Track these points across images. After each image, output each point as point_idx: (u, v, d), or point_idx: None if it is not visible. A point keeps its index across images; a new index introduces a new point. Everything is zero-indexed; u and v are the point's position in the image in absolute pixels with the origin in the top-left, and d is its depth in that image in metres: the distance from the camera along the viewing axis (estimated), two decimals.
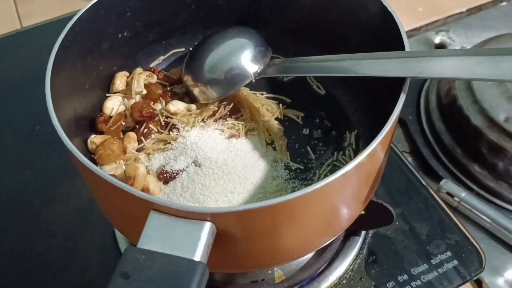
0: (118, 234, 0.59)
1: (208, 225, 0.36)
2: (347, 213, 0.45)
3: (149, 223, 0.37)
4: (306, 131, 0.57)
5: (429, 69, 0.43)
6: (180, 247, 0.36)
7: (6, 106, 0.76)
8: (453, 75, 0.44)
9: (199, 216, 0.37)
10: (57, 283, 0.57)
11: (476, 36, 0.85)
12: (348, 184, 0.41)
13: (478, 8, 0.93)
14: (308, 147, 0.55)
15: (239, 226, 0.39)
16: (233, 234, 0.39)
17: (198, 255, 0.36)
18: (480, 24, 0.90)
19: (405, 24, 0.47)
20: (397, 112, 0.41)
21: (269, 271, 0.55)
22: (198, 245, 0.36)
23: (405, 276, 0.55)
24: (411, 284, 0.55)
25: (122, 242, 0.58)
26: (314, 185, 0.36)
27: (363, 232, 0.58)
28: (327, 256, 0.55)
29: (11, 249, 0.61)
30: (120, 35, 0.56)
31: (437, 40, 0.88)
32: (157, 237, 0.36)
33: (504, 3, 0.94)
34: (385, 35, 0.48)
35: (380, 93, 0.52)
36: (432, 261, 0.56)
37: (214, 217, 0.37)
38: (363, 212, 0.49)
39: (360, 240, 0.57)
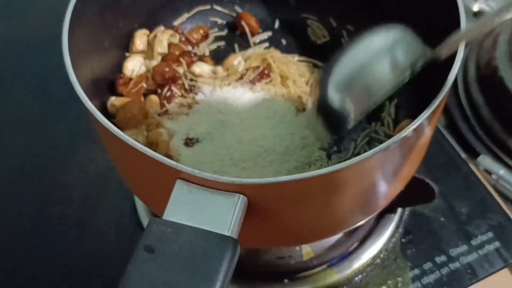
0: (139, 203, 0.56)
1: (240, 198, 0.33)
2: (386, 191, 0.42)
3: (176, 193, 0.34)
4: None
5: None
6: (210, 221, 0.33)
7: (19, 67, 0.72)
8: None
9: (230, 187, 0.33)
10: (71, 253, 0.54)
11: None
12: (390, 160, 0.37)
13: None
14: None
15: (272, 200, 0.35)
16: (265, 208, 0.35)
17: (229, 230, 0.32)
18: None
19: None
20: (452, 77, 0.37)
21: (297, 248, 0.51)
22: (229, 219, 0.33)
23: (443, 257, 0.52)
24: (449, 266, 0.51)
25: (143, 212, 0.55)
26: (354, 159, 0.33)
27: (399, 210, 0.54)
28: (360, 234, 0.52)
29: (23, 216, 0.58)
30: None
31: (475, 8, 0.82)
32: (184, 208, 0.33)
33: None
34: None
35: None
36: (472, 242, 0.53)
37: (247, 188, 0.33)
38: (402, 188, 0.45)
39: (395, 218, 0.54)
